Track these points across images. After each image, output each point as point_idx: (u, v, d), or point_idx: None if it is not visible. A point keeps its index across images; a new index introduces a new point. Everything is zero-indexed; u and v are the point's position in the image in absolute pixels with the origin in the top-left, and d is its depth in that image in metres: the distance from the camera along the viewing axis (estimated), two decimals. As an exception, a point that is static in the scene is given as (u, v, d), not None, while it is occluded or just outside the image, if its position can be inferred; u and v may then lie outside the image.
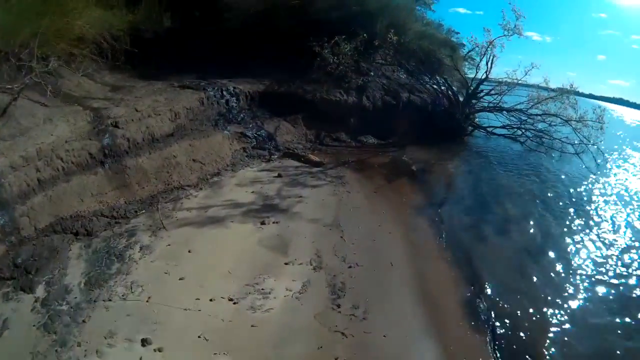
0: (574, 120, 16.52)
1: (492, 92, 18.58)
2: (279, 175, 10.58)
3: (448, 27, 21.06)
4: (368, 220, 8.68)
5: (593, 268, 7.98)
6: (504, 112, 18.29)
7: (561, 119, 16.77)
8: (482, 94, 18.77)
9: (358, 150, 14.80)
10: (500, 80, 18.47)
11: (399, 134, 17.21)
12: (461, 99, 18.82)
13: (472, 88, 18.77)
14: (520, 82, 18.45)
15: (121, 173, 8.12)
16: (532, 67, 17.71)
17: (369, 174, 11.95)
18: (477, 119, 20.15)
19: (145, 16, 12.86)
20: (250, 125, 13.19)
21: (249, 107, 13.63)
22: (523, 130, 17.79)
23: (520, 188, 12.97)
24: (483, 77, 18.65)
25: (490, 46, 17.59)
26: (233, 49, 14.95)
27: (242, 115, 13.21)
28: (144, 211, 7.99)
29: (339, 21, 15.90)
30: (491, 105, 18.83)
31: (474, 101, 19.02)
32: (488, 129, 18.97)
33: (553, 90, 18.39)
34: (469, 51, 18.98)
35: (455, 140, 18.64)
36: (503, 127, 18.28)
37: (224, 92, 12.73)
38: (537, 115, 17.52)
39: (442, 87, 19.02)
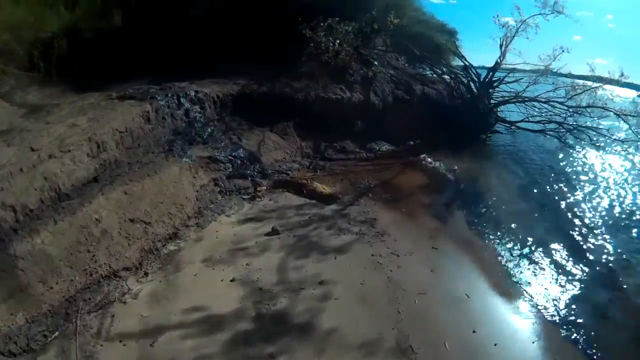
0: (631, 115, 13.14)
1: (508, 80, 15.34)
2: (275, 232, 6.59)
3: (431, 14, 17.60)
4: (455, 323, 4.89)
5: None
6: (537, 103, 14.73)
7: (614, 112, 13.34)
8: (497, 82, 15.28)
9: (373, 163, 11.01)
10: (512, 67, 15.09)
11: (415, 136, 13.51)
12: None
13: (488, 77, 15.22)
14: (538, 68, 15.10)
15: (10, 270, 4.59)
16: (562, 51, 14.24)
17: (409, 207, 8.23)
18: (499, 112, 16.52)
19: (87, 13, 9.78)
20: (223, 144, 9.13)
21: (218, 117, 9.57)
22: (559, 124, 14.20)
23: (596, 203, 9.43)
24: (497, 63, 15.15)
25: (521, 25, 14.01)
26: (199, 43, 10.79)
27: (209, 129, 9.14)
28: (57, 333, 4.41)
29: (331, 3, 11.95)
30: (517, 95, 15.25)
31: (490, 91, 15.46)
32: (517, 123, 15.35)
33: (583, 77, 15.13)
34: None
35: (479, 138, 15.06)
36: (538, 121, 14.71)
37: (182, 100, 8.63)
38: (577, 107, 13.99)
39: (458, 76, 15.34)
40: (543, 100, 14.49)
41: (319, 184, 8.59)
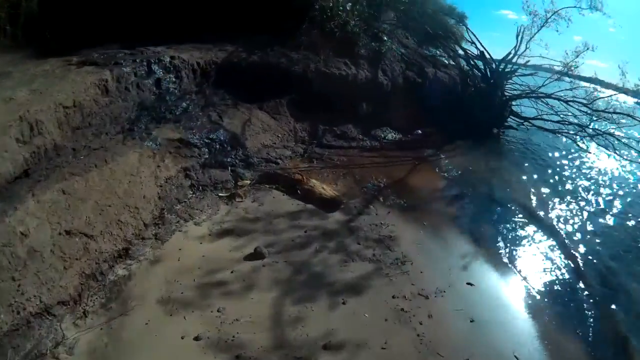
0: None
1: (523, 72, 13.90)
2: (259, 256, 4.79)
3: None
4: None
5: None
6: (556, 101, 13.11)
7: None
8: (510, 73, 13.62)
9: (379, 155, 9.30)
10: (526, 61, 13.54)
11: (425, 125, 11.81)
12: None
13: (502, 66, 13.51)
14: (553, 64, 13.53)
15: None
16: (587, 49, 12.62)
17: (431, 219, 6.59)
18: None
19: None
20: (199, 123, 7.17)
21: (197, 89, 7.61)
22: (581, 127, 12.66)
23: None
24: (512, 53, 13.45)
25: (552, 16, 12.25)
26: (186, 6, 8.56)
27: (184, 104, 7.18)
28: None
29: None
30: (533, 91, 13.60)
31: (504, 82, 13.79)
32: (531, 120, 13.74)
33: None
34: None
35: (492, 133, 13.51)
36: (556, 121, 13.14)
37: (153, 67, 6.61)
38: (603, 111, 12.45)
39: (474, 61, 13.57)
40: (564, 99, 12.87)
41: (318, 183, 6.80)
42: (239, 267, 4.58)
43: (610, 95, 12.72)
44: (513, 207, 7.71)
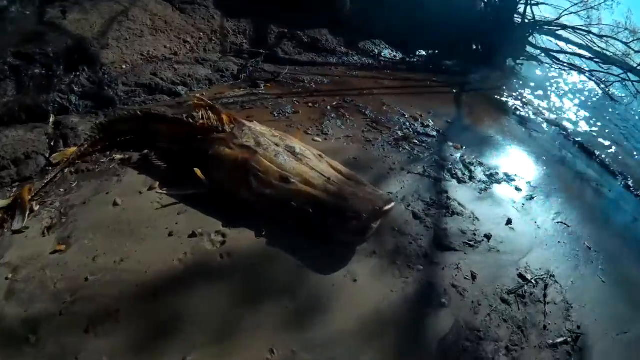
0: None
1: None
2: None
3: None
4: None
5: None
6: (588, 36, 9.17)
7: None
8: None
9: (384, 75, 5.28)
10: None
11: (429, 45, 7.74)
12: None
13: None
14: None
15: None
16: None
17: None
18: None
19: None
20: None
21: None
22: (624, 70, 8.84)
23: None
24: None
25: None
26: None
27: None
28: None
29: None
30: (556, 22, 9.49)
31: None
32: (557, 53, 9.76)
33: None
34: None
35: (506, 64, 9.44)
36: (589, 58, 9.31)
37: None
38: None
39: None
40: (599, 34, 8.94)
41: (270, 132, 2.59)
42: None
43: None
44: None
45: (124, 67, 3.62)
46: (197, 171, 2.19)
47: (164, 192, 2.26)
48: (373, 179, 2.68)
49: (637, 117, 7.99)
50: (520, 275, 2.28)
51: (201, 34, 4.51)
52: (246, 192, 2.17)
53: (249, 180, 2.15)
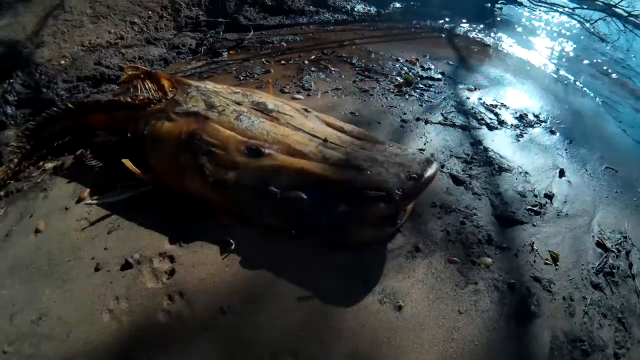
0: None
1: None
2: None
3: None
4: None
5: None
6: None
7: None
8: None
9: (363, 27, 4.63)
10: None
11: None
12: None
13: None
14: None
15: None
16: None
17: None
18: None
19: None
20: None
21: None
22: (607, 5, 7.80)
23: None
24: None
25: None
26: None
27: None
28: None
29: None
30: None
31: None
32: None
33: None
34: None
35: (484, 8, 8.53)
36: None
37: None
38: None
39: None
40: None
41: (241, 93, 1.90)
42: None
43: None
44: None
45: (62, 62, 3.03)
46: (127, 163, 1.59)
47: (94, 201, 1.68)
48: (385, 137, 2.06)
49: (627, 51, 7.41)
50: (599, 244, 1.77)
51: (149, 12, 3.81)
52: (197, 184, 1.48)
53: (199, 163, 1.47)
